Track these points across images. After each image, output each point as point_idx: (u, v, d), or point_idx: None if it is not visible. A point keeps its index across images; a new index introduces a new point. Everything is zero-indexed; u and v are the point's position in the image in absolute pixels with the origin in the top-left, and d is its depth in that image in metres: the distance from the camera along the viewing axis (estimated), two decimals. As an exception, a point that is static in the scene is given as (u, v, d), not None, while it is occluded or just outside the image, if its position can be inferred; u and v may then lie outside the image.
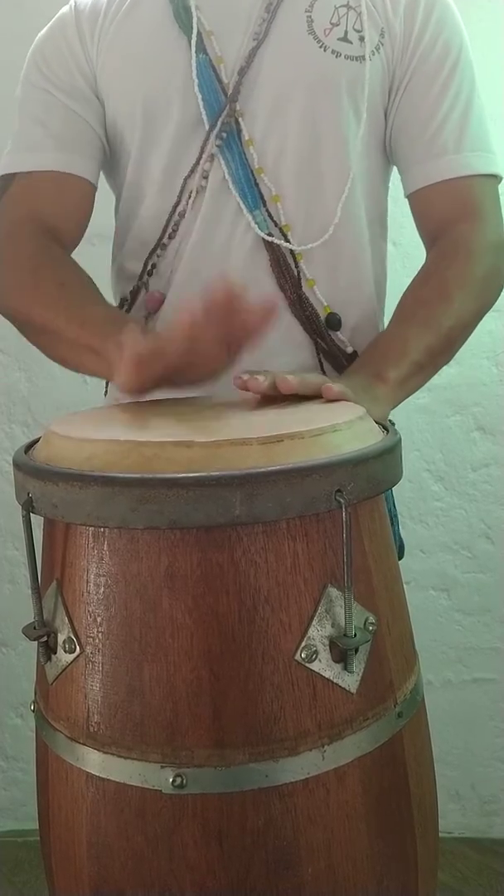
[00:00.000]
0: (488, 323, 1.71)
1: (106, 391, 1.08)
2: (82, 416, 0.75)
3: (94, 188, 1.00)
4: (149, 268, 0.98)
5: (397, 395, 0.86)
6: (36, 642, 0.65)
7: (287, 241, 0.92)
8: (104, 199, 1.04)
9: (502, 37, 1.57)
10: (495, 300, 0.96)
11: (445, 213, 0.95)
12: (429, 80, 0.94)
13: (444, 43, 0.94)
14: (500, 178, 0.97)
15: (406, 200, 1.00)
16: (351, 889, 0.62)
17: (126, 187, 1.00)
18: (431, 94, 0.94)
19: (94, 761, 0.62)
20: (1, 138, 0.99)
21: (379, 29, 0.92)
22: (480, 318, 0.95)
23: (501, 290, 0.97)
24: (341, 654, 0.60)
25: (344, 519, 0.58)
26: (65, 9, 1.00)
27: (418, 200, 0.98)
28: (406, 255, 1.37)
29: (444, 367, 1.67)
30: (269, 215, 0.92)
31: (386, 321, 1.00)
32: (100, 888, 0.63)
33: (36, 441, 0.70)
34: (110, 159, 1.02)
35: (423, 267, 0.96)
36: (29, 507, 0.62)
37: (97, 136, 0.99)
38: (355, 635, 0.60)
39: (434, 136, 0.94)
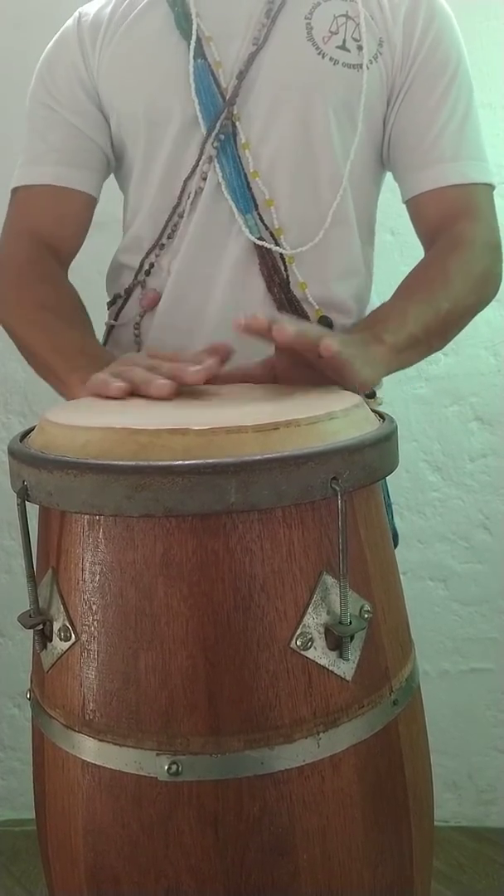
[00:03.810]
0: (487, 313, 1.71)
1: None
2: (77, 404, 0.75)
3: (93, 199, 1.03)
4: (146, 267, 0.99)
5: (391, 361, 0.85)
6: (32, 631, 0.65)
7: (278, 244, 0.93)
8: (104, 187, 1.06)
9: (498, 46, 1.57)
10: (489, 301, 0.97)
11: (444, 214, 0.96)
12: (428, 89, 0.95)
13: (444, 52, 0.95)
14: (494, 187, 0.99)
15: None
16: (346, 876, 0.63)
17: (132, 188, 1.02)
18: (430, 103, 0.95)
19: (89, 749, 0.62)
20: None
21: (377, 39, 0.93)
22: (474, 315, 0.96)
23: (496, 293, 0.98)
24: (336, 642, 0.60)
25: (339, 507, 0.58)
26: (69, 21, 1.03)
27: (417, 205, 0.99)
28: (404, 243, 1.37)
29: (443, 357, 1.67)
30: (261, 219, 0.93)
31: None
32: (96, 875, 0.63)
33: (31, 429, 0.70)
34: (118, 163, 1.04)
35: (422, 259, 0.97)
36: (24, 495, 0.62)
37: (99, 150, 1.01)
38: (350, 623, 0.60)
39: (433, 143, 0.95)
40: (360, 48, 0.92)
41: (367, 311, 1.02)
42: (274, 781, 0.60)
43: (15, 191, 1.03)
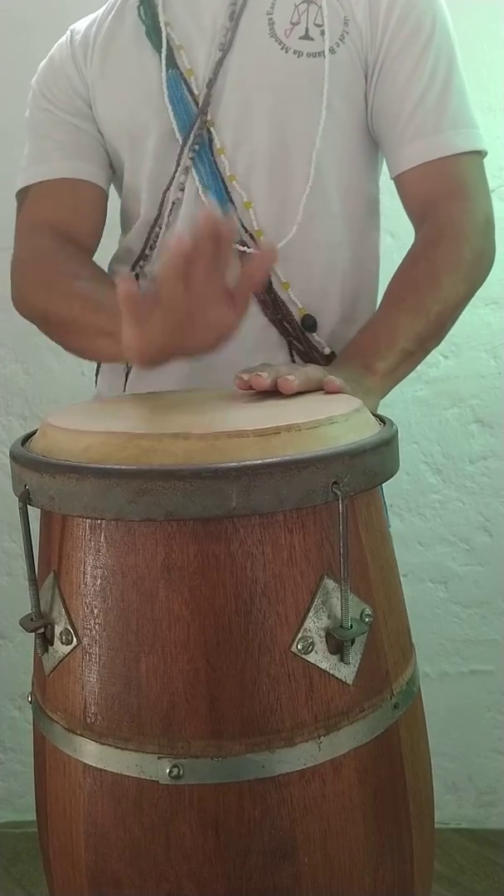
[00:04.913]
0: (487, 315, 1.71)
1: (96, 381, 1.09)
2: (79, 408, 0.75)
3: (105, 194, 1.03)
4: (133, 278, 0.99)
5: (386, 385, 0.86)
6: (33, 634, 0.65)
7: (258, 246, 0.92)
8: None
9: (498, 48, 1.57)
10: (484, 280, 0.95)
11: (430, 193, 0.93)
12: (400, 62, 0.91)
13: (415, 21, 0.91)
14: (485, 153, 0.95)
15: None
16: (347, 879, 0.63)
17: (123, 200, 1.03)
18: (404, 75, 0.91)
19: (91, 752, 0.62)
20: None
21: (341, 18, 0.91)
22: (470, 299, 0.94)
23: (490, 270, 0.95)
24: (337, 646, 0.60)
25: (340, 511, 0.58)
26: (62, 39, 1.04)
27: (402, 183, 0.96)
28: (404, 246, 1.37)
29: (443, 360, 1.67)
30: (241, 222, 0.92)
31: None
32: (97, 878, 0.63)
33: (33, 433, 0.70)
34: (113, 174, 1.05)
35: (410, 249, 0.94)
36: (26, 499, 0.62)
37: (102, 146, 1.02)
38: (351, 627, 0.60)
39: (410, 117, 0.92)
40: (322, 33, 0.90)
41: (364, 303, 1.01)
42: (275, 785, 0.60)
43: (25, 191, 1.02)
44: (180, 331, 0.71)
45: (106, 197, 1.03)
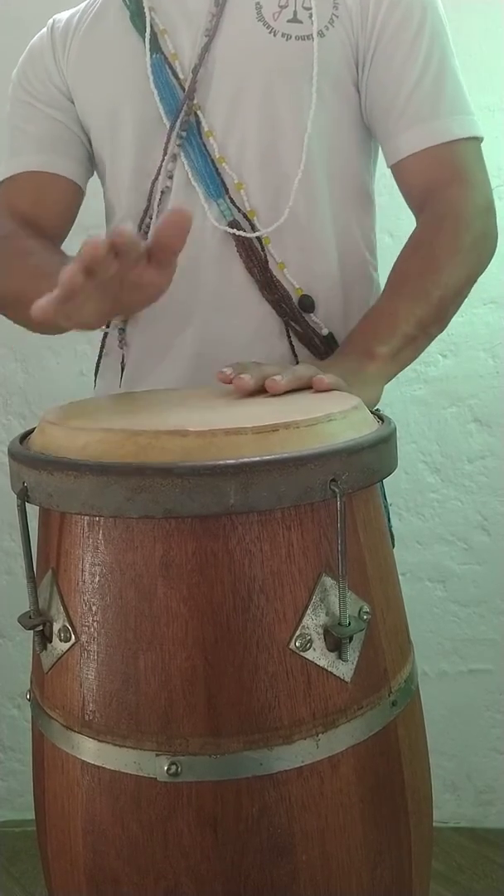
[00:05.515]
0: (485, 315, 1.71)
1: (95, 383, 1.09)
2: (77, 406, 0.75)
3: (77, 187, 1.04)
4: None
5: (389, 370, 0.85)
6: (32, 631, 0.65)
7: (252, 226, 0.92)
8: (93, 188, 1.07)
9: (498, 48, 1.57)
10: (488, 263, 0.95)
11: (429, 180, 0.93)
12: (393, 48, 0.91)
13: (407, 6, 0.91)
14: (482, 139, 0.95)
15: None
16: (345, 876, 0.63)
17: (106, 191, 1.03)
18: (398, 62, 0.91)
19: (89, 749, 0.62)
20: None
21: (331, 2, 0.90)
22: (473, 283, 0.93)
23: (493, 253, 0.95)
24: (336, 643, 0.60)
25: (339, 508, 0.58)
26: (43, 29, 1.04)
27: (400, 171, 0.96)
28: (403, 246, 1.37)
29: (441, 359, 1.67)
30: (233, 202, 0.92)
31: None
32: (95, 875, 0.63)
33: (31, 431, 0.70)
34: (95, 166, 1.05)
35: (411, 236, 0.94)
36: (24, 496, 0.62)
37: (79, 139, 1.02)
38: (349, 624, 0.60)
39: (407, 104, 0.91)
40: (311, 16, 0.89)
41: (360, 288, 1.00)
42: (273, 782, 0.60)
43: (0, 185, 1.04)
44: (112, 297, 0.69)
45: (79, 192, 1.04)
